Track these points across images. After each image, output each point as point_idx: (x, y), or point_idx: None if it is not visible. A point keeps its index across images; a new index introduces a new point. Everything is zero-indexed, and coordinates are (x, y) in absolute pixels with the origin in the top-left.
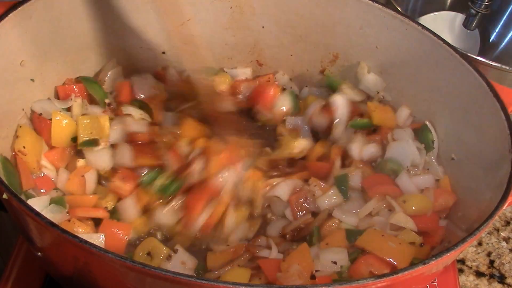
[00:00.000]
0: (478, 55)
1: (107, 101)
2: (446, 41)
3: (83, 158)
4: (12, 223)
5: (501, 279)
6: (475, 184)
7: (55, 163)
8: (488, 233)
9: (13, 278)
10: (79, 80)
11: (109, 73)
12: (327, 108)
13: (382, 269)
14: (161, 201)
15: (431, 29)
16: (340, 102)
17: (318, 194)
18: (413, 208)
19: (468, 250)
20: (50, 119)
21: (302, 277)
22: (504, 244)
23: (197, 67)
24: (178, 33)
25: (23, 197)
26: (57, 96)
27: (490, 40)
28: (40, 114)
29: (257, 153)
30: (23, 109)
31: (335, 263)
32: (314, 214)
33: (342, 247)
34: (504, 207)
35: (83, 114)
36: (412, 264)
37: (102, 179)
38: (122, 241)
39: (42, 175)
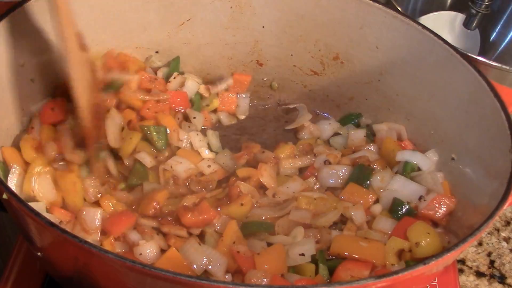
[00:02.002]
0: (479, 55)
1: None
2: (447, 41)
3: None
4: (12, 223)
5: (502, 279)
6: (476, 184)
7: None
8: (489, 233)
9: (13, 278)
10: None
11: None
12: None
13: (361, 271)
14: None
15: (432, 29)
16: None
17: None
18: (426, 252)
19: (468, 250)
20: None
21: (269, 276)
22: (504, 244)
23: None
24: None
25: None
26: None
27: (491, 40)
28: None
29: None
30: (23, 109)
31: (303, 255)
32: None
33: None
34: (504, 207)
35: None
36: (412, 265)
37: None
38: None
39: None
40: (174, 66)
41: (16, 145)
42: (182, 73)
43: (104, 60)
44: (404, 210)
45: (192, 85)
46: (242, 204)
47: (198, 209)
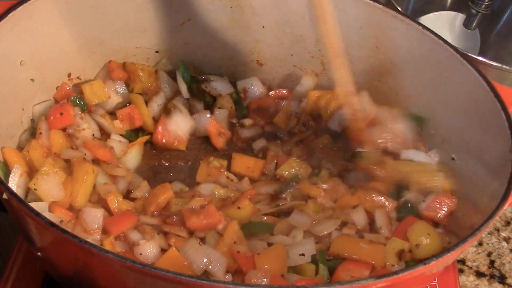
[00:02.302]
0: (479, 55)
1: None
2: (447, 41)
3: None
4: (12, 223)
5: (502, 279)
6: (476, 184)
7: None
8: (489, 233)
9: (13, 278)
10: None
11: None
12: None
13: (361, 272)
14: None
15: (432, 29)
16: None
17: None
18: (427, 253)
19: (468, 250)
20: None
21: (269, 276)
22: (504, 244)
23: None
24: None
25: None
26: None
27: (491, 40)
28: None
29: None
30: (23, 109)
31: (303, 255)
32: None
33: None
34: (504, 207)
35: None
36: (412, 265)
37: None
38: None
39: None
40: (183, 71)
41: (16, 145)
42: (194, 76)
43: (108, 71)
44: (406, 210)
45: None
46: (239, 207)
47: (204, 213)
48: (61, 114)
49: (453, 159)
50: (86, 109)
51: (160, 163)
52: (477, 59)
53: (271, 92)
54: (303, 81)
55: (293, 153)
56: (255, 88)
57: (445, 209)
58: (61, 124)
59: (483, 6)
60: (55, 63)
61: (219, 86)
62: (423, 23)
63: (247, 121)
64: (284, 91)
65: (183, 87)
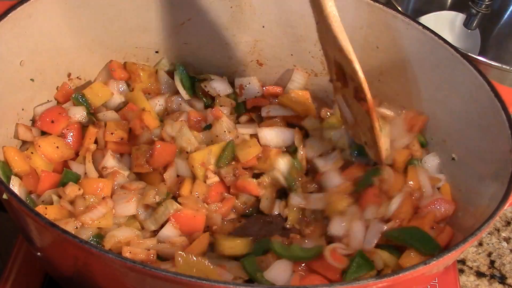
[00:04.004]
0: (479, 55)
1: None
2: (447, 41)
3: None
4: (12, 223)
5: (502, 279)
6: (476, 184)
7: None
8: (489, 234)
9: (13, 278)
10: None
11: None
12: None
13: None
14: None
15: (432, 29)
16: None
17: None
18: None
19: (468, 250)
20: None
21: None
22: (504, 244)
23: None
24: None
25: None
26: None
27: (491, 40)
28: None
29: None
30: (22, 109)
31: None
32: None
33: None
34: (504, 208)
35: None
36: (412, 265)
37: None
38: None
39: None
40: (180, 73)
41: (16, 144)
42: (194, 76)
43: (109, 71)
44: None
45: None
46: None
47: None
48: (52, 122)
49: (453, 159)
50: (90, 108)
51: None
52: (477, 59)
53: (264, 88)
54: (294, 78)
55: None
56: (252, 87)
57: (442, 211)
58: (51, 130)
59: (483, 6)
60: (55, 63)
61: (219, 86)
62: (424, 23)
63: (243, 118)
64: (279, 90)
65: (181, 89)
